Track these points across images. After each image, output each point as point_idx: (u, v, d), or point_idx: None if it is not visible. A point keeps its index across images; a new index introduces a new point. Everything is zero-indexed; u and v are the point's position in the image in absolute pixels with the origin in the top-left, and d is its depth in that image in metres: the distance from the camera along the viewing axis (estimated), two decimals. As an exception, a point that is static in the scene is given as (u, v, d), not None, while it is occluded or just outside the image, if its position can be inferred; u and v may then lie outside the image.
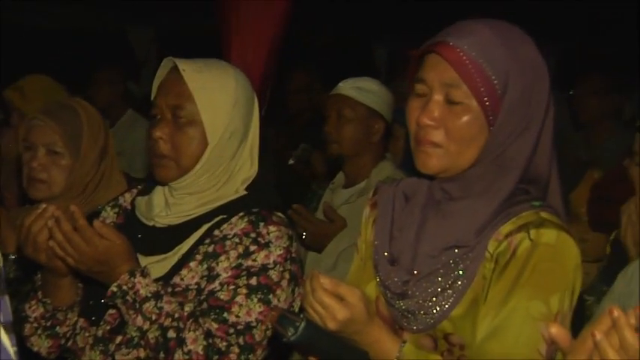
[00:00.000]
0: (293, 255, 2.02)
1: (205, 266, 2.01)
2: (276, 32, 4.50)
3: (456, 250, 1.69)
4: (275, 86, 4.68)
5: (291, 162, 4.87)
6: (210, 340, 1.93)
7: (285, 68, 5.38)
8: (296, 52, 5.45)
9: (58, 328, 2.14)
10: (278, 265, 1.98)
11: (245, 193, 2.09)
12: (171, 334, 1.94)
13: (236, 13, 4.48)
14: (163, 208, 2.12)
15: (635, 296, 1.49)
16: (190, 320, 1.95)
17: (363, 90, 3.28)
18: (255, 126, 2.12)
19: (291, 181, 4.66)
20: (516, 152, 1.67)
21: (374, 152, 3.31)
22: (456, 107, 1.65)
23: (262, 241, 1.99)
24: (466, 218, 1.70)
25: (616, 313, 1.15)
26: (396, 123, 3.65)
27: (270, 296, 1.95)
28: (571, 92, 4.92)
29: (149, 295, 1.97)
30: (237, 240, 2.00)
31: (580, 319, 1.68)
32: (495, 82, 1.62)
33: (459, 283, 1.67)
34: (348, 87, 3.30)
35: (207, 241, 2.04)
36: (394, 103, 3.79)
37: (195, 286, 2.00)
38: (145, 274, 1.99)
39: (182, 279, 2.02)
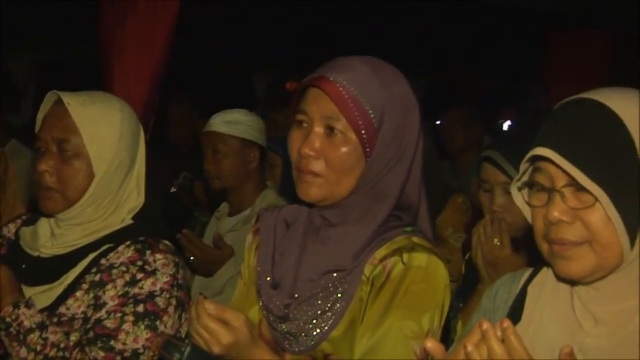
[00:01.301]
0: (179, 282, 2.00)
1: (92, 295, 1.97)
2: (158, 61, 4.45)
3: (335, 274, 1.72)
4: (157, 116, 4.63)
5: (173, 190, 4.82)
6: None
7: (166, 98, 5.34)
8: (176, 81, 5.41)
9: None
10: (165, 292, 1.96)
11: (131, 222, 2.07)
12: None
13: (118, 43, 4.41)
14: (49, 238, 2.07)
15: (500, 311, 1.56)
16: (76, 350, 1.91)
17: (232, 123, 3.30)
18: (141, 157, 2.10)
19: (174, 208, 4.61)
20: (390, 182, 1.72)
21: (254, 180, 3.34)
22: (336, 139, 1.69)
23: (149, 269, 1.97)
24: (344, 244, 1.74)
25: (485, 326, 1.21)
26: (272, 152, 3.68)
27: (157, 322, 1.93)
28: (438, 122, 5.09)
29: (33, 326, 1.91)
30: (123, 268, 1.98)
31: (443, 334, 1.74)
32: (372, 115, 1.67)
33: (338, 305, 1.70)
34: (218, 123, 3.31)
35: (93, 270, 2.00)
36: (272, 133, 3.81)
37: (82, 315, 1.96)
38: (29, 304, 1.94)
39: (68, 308, 1.97)
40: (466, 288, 2.49)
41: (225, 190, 3.35)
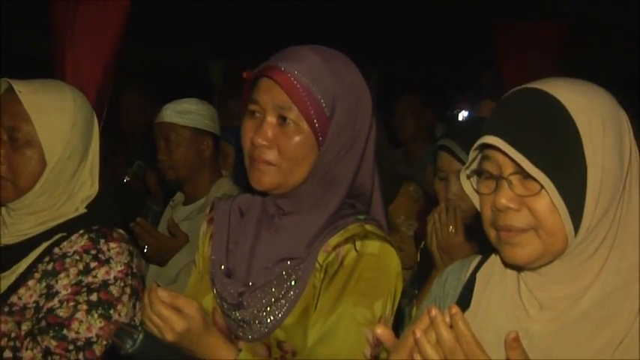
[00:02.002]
0: (134, 270, 2.00)
1: (44, 284, 1.96)
2: (111, 48, 4.41)
3: (289, 262, 1.73)
4: (110, 104, 4.58)
5: (126, 179, 4.78)
6: (49, 358, 1.88)
7: (120, 86, 5.28)
8: (130, 69, 5.35)
9: None
10: (119, 281, 1.96)
11: (85, 211, 2.06)
12: (7, 354, 1.87)
13: (71, 29, 4.35)
14: (0, 227, 2.04)
15: (449, 298, 1.58)
16: (28, 339, 1.89)
17: (183, 113, 3.28)
18: (95, 145, 2.09)
19: (127, 197, 4.57)
20: (343, 170, 1.74)
21: (209, 169, 3.33)
22: (288, 128, 1.69)
23: (103, 258, 1.97)
24: (298, 232, 1.75)
25: (433, 312, 1.23)
26: (225, 141, 3.67)
27: (111, 311, 1.93)
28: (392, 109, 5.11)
29: None
30: (77, 257, 1.97)
31: (396, 320, 1.76)
32: (324, 104, 1.68)
33: (292, 293, 1.72)
34: (169, 113, 3.30)
35: (46, 259, 1.99)
36: (227, 121, 3.79)
37: (34, 305, 1.94)
38: None
39: (20, 298, 1.96)
40: (421, 275, 2.52)
41: (180, 180, 3.34)
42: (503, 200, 1.37)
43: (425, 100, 5.04)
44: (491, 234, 1.42)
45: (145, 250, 3.18)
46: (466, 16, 7.10)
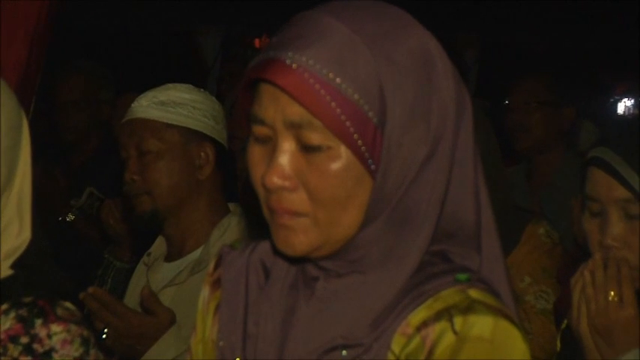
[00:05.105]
0: None
1: None
2: (41, 11, 4.47)
3: (344, 352, 1.72)
4: (42, 97, 4.64)
5: (69, 218, 4.83)
6: None
7: (57, 69, 5.34)
8: (73, 42, 5.43)
9: None
10: None
11: (11, 272, 2.08)
12: None
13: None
14: None
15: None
16: None
17: (169, 105, 3.27)
18: (25, 165, 2.12)
19: (70, 247, 4.61)
20: (420, 196, 1.70)
21: (207, 198, 3.32)
22: (316, 156, 1.66)
23: (40, 350, 1.98)
24: (356, 302, 1.74)
25: None
26: None
27: None
28: (507, 102, 5.03)
29: None
30: None
31: None
32: (365, 107, 1.64)
33: (350, 402, 1.72)
34: (146, 105, 3.29)
35: None
36: (234, 123, 3.80)
37: None
38: None
39: None
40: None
41: (160, 214, 3.32)
42: None
43: (560, 84, 4.99)
44: None
45: (105, 336, 3.17)
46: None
